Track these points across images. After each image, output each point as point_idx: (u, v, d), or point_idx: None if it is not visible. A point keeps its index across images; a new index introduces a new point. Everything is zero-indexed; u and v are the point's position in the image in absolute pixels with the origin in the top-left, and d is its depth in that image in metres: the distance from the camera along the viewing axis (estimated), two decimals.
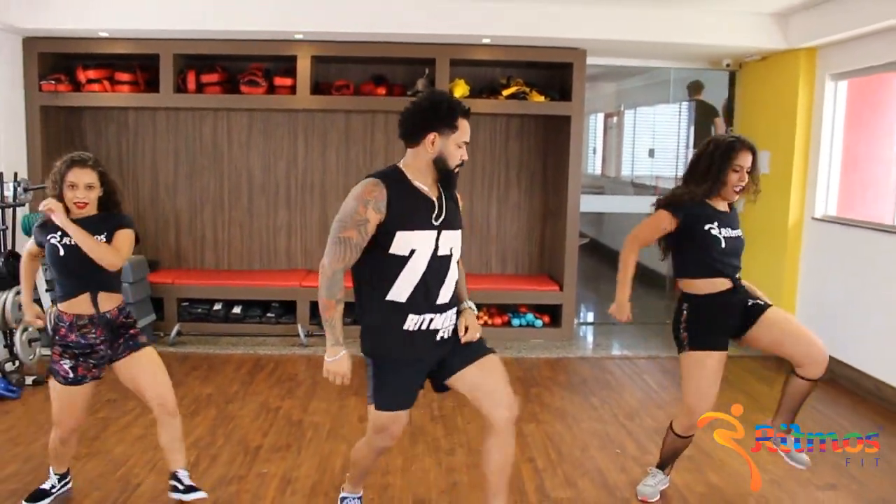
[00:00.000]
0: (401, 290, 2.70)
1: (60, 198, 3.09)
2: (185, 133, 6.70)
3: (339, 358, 2.70)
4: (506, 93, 6.25)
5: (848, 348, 5.37)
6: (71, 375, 3.12)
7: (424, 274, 2.70)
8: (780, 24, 5.81)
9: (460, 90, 6.20)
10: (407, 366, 2.79)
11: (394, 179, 2.73)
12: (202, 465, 3.77)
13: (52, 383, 3.18)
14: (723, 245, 3.29)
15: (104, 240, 3.11)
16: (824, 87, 5.74)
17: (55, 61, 6.23)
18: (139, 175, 6.72)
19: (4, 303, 4.93)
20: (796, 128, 5.90)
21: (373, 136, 6.77)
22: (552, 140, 6.73)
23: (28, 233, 5.37)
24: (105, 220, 3.17)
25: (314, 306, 6.30)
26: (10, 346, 5.03)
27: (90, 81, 6.14)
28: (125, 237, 3.18)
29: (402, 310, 2.71)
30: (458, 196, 2.91)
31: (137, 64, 6.25)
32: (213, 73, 6.20)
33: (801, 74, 5.87)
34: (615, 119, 10.32)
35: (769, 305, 3.39)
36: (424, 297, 2.71)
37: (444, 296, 2.77)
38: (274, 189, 6.78)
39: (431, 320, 2.75)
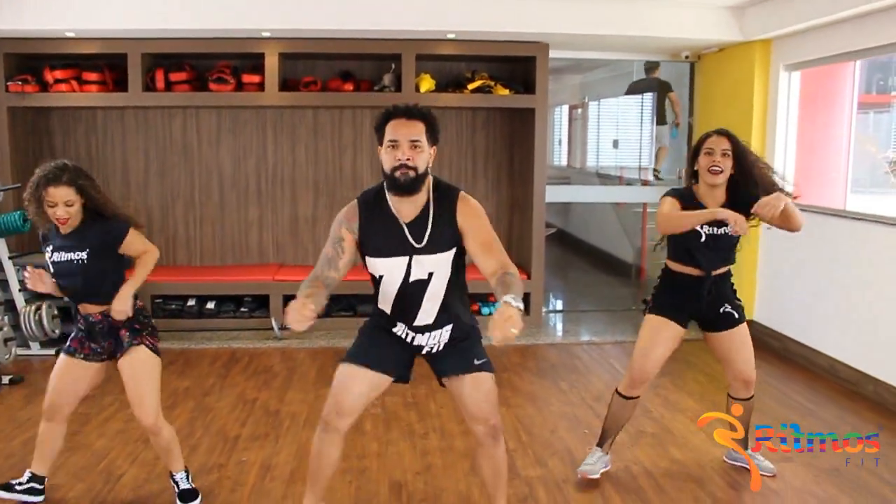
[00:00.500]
0: (384, 304, 2.79)
1: (42, 213, 3.10)
2: (155, 131, 6.74)
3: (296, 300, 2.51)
4: (471, 87, 6.38)
5: (802, 327, 5.61)
6: (77, 348, 3.22)
7: (396, 297, 2.74)
8: (736, 16, 6.00)
9: (426, 85, 6.32)
10: (388, 336, 2.85)
11: (371, 202, 2.74)
12: (182, 455, 3.86)
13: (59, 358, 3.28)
14: (702, 239, 3.42)
15: (85, 257, 3.10)
16: (779, 78, 5.95)
17: (21, 62, 6.23)
18: (109, 174, 6.75)
19: None
20: (753, 117, 6.11)
21: (341, 131, 6.86)
22: (518, 132, 6.88)
23: (1, 233, 5.44)
24: (88, 229, 3.14)
25: (287, 299, 6.36)
26: None
27: (57, 81, 6.15)
28: (133, 241, 3.20)
29: (389, 319, 2.81)
30: (462, 207, 2.72)
31: (105, 63, 6.27)
32: (181, 72, 6.24)
33: (756, 65, 6.07)
34: (580, 111, 10.51)
35: (742, 321, 3.58)
36: (403, 317, 2.79)
37: (424, 318, 2.76)
38: (244, 185, 6.85)
39: (414, 337, 2.82)
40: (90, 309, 3.21)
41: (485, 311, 6.58)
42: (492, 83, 6.42)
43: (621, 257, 8.53)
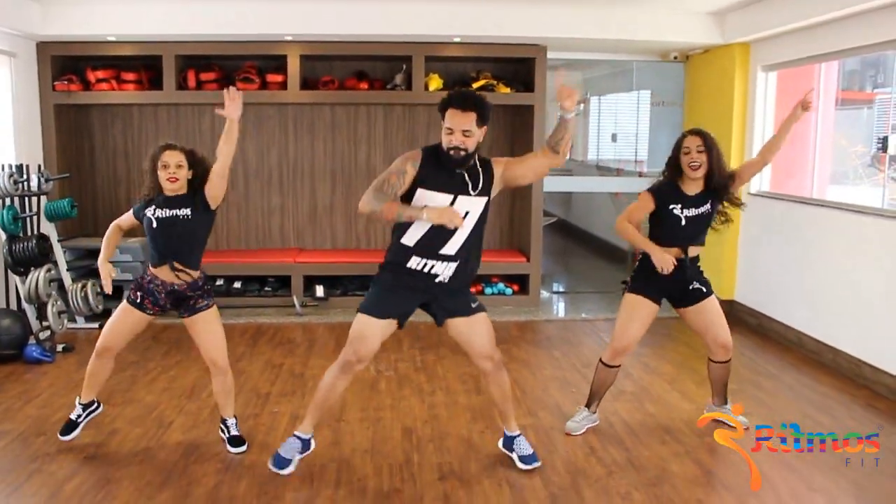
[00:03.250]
0: (411, 237, 3.37)
1: (155, 178, 3.68)
2: (186, 126, 7.35)
3: (430, 205, 3.27)
4: (476, 85, 6.95)
5: (778, 306, 6.16)
6: (137, 301, 3.76)
7: (432, 226, 3.30)
8: (717, 21, 6.55)
9: (434, 84, 6.90)
10: (400, 288, 3.44)
11: (432, 152, 3.36)
12: None
13: (121, 304, 3.81)
14: (682, 223, 3.97)
15: (189, 213, 3.67)
16: (756, 78, 6.50)
17: (65, 63, 6.84)
18: (143, 165, 7.33)
19: (37, 279, 5.58)
20: (733, 113, 6.66)
21: (356, 126, 7.45)
22: (518, 127, 7.45)
23: (50, 218, 6.05)
24: (192, 195, 3.72)
25: (307, 280, 7.01)
26: (41, 317, 5.69)
27: (99, 81, 6.77)
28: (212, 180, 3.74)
29: (408, 252, 3.39)
30: (497, 167, 3.45)
31: (141, 64, 6.88)
32: (210, 72, 6.84)
33: (736, 66, 6.62)
34: (581, 106, 11.02)
35: (710, 294, 4.11)
36: (429, 246, 3.36)
37: (450, 249, 3.36)
38: (267, 175, 7.46)
39: (433, 266, 3.38)
40: (180, 269, 3.69)
41: (487, 290, 7.16)
42: (494, 82, 7.00)
43: (617, 244, 9.09)
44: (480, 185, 3.39)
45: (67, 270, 6.22)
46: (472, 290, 7.03)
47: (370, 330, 3.42)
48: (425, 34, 6.48)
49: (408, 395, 4.73)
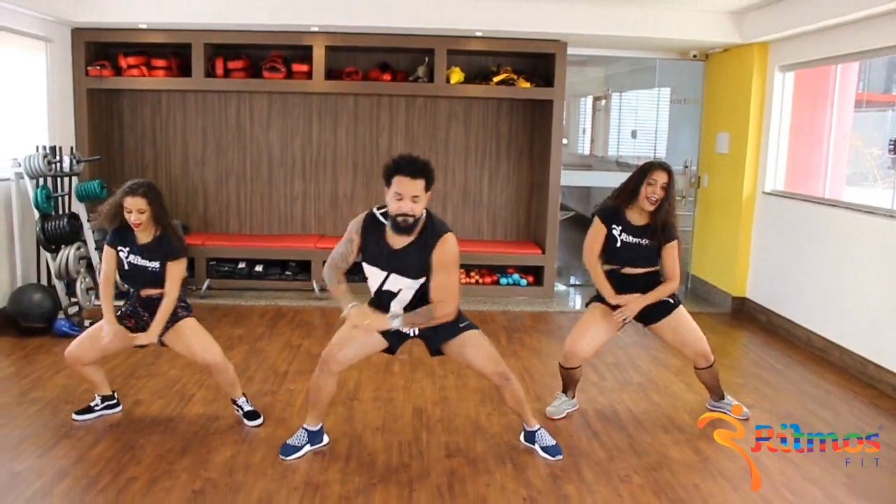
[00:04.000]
0: (370, 286, 3.60)
1: (121, 218, 3.87)
2: (213, 113, 7.55)
3: (354, 304, 3.47)
4: (496, 79, 7.09)
5: (787, 304, 6.25)
6: (118, 313, 4.00)
7: (374, 295, 3.57)
8: (735, 21, 6.63)
9: (456, 77, 7.04)
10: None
11: (375, 222, 3.48)
12: (241, 384, 4.64)
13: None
14: (618, 245, 4.13)
15: (157, 267, 3.89)
16: (774, 77, 6.58)
17: (98, 49, 7.06)
18: (171, 150, 7.57)
19: (67, 256, 5.80)
20: (750, 112, 6.74)
21: (378, 116, 7.62)
22: (538, 120, 7.57)
23: (81, 198, 6.26)
24: (158, 246, 3.90)
25: None
26: (71, 293, 5.91)
27: (130, 67, 6.98)
28: (175, 270, 3.92)
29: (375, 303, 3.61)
30: (439, 248, 3.40)
31: (171, 51, 7.09)
32: (238, 60, 7.03)
33: (754, 65, 6.70)
34: (603, 102, 11.12)
35: (677, 305, 4.20)
36: (380, 302, 3.57)
37: (396, 309, 3.52)
38: (291, 163, 7.64)
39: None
40: (150, 291, 3.96)
41: (503, 281, 7.31)
42: (515, 76, 7.13)
43: None
44: (410, 263, 3.45)
45: (96, 249, 6.44)
46: (488, 279, 7.27)
47: (351, 342, 3.61)
48: (448, 27, 6.62)
49: (420, 378, 4.89)
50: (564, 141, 9.92)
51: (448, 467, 3.65)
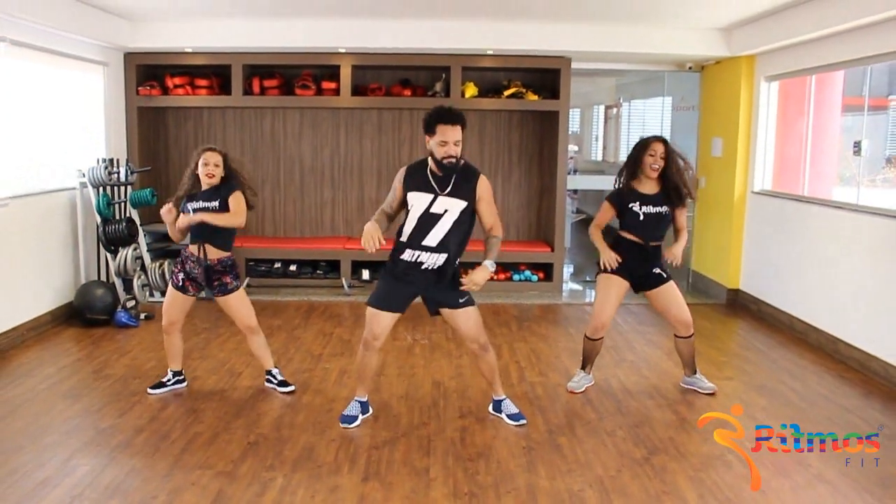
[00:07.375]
0: (405, 233, 4.12)
1: (195, 176, 4.60)
2: (250, 127, 8.29)
3: (368, 223, 3.92)
4: (507, 93, 7.75)
5: (774, 292, 6.84)
6: (180, 284, 4.67)
7: (418, 221, 4.01)
8: (724, 36, 7.24)
9: (470, 91, 7.72)
10: (398, 281, 4.16)
11: (414, 168, 4.11)
12: (281, 364, 5.33)
13: (169, 288, 4.74)
14: (641, 218, 4.70)
15: (217, 206, 4.56)
16: (760, 87, 7.18)
17: (146, 71, 7.82)
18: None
19: (125, 257, 6.55)
20: (740, 119, 7.35)
21: (400, 128, 8.32)
22: (546, 130, 8.23)
23: (135, 205, 7.00)
24: (219, 188, 4.63)
25: (355, 264, 7.89)
26: (128, 289, 6.65)
27: (176, 87, 7.73)
28: (235, 199, 4.63)
29: (403, 246, 4.13)
30: (480, 184, 4.04)
31: (212, 72, 7.83)
32: (272, 79, 7.76)
33: (742, 76, 7.31)
34: (615, 110, 11.73)
35: (669, 280, 4.79)
36: (416, 238, 4.03)
37: (431, 241, 4.00)
38: (321, 172, 8.36)
39: (419, 256, 4.04)
40: (211, 253, 4.62)
41: (515, 277, 7.95)
42: (524, 90, 7.79)
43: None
44: (456, 189, 4.00)
45: (148, 251, 7.18)
46: (502, 276, 7.92)
47: (378, 318, 4.19)
48: (462, 47, 7.31)
49: (438, 358, 5.56)
50: (577, 148, 10.59)
51: (461, 425, 4.32)
